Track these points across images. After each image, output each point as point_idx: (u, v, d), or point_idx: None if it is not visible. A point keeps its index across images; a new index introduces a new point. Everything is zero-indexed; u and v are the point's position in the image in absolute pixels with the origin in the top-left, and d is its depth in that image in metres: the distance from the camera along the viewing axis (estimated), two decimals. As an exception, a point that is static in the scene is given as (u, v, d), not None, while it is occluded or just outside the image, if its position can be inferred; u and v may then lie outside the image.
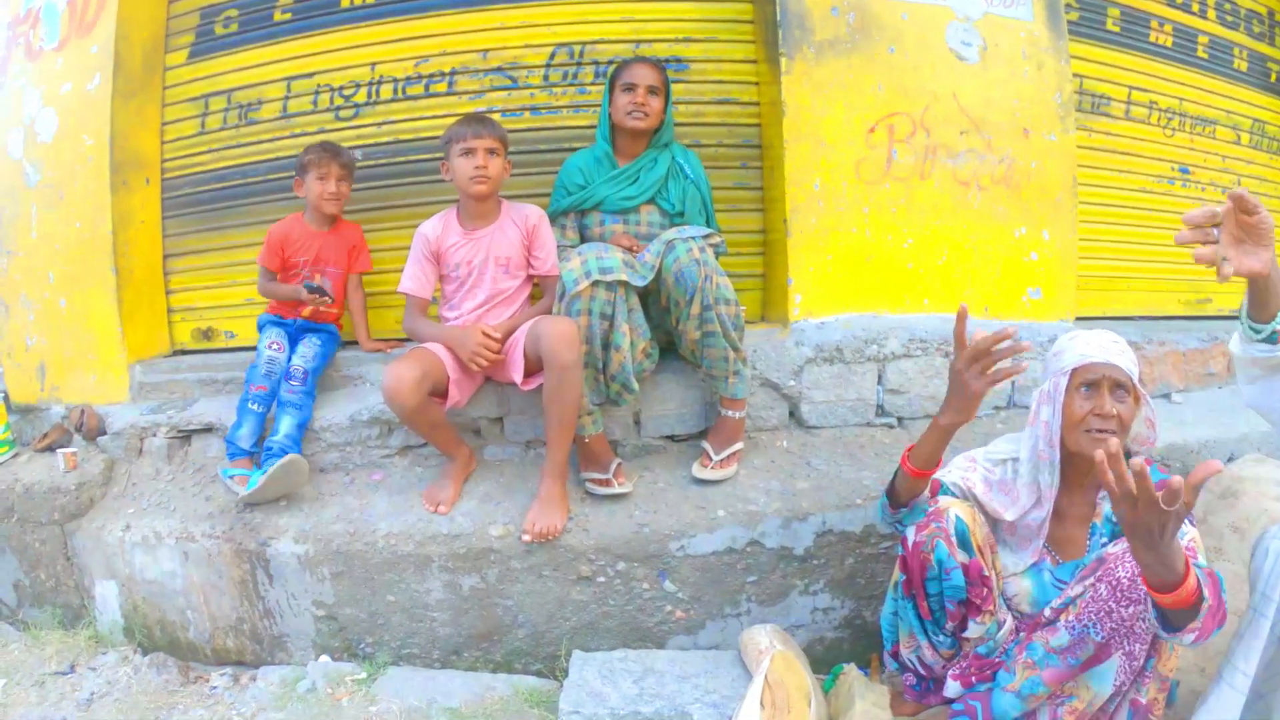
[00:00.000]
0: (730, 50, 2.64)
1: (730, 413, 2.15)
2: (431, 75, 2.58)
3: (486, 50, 2.56)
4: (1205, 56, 3.79)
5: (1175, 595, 1.29)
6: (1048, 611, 1.54)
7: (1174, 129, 3.57)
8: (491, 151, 2.13)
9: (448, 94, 2.57)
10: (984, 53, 2.66)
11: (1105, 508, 1.66)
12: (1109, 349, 1.63)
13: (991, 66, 2.67)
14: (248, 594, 2.12)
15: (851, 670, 1.88)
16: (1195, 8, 3.82)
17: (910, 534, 1.62)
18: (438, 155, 2.26)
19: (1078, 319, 2.84)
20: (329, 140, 2.49)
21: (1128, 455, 1.61)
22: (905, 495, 1.68)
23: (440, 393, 2.07)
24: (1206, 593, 1.31)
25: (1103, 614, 1.43)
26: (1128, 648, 1.45)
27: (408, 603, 2.05)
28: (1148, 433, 1.70)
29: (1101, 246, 3.32)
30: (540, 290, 2.29)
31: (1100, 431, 1.57)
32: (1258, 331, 1.46)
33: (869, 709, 1.73)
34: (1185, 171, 3.60)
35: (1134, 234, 3.43)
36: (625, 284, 1.97)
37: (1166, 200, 3.49)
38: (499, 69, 2.56)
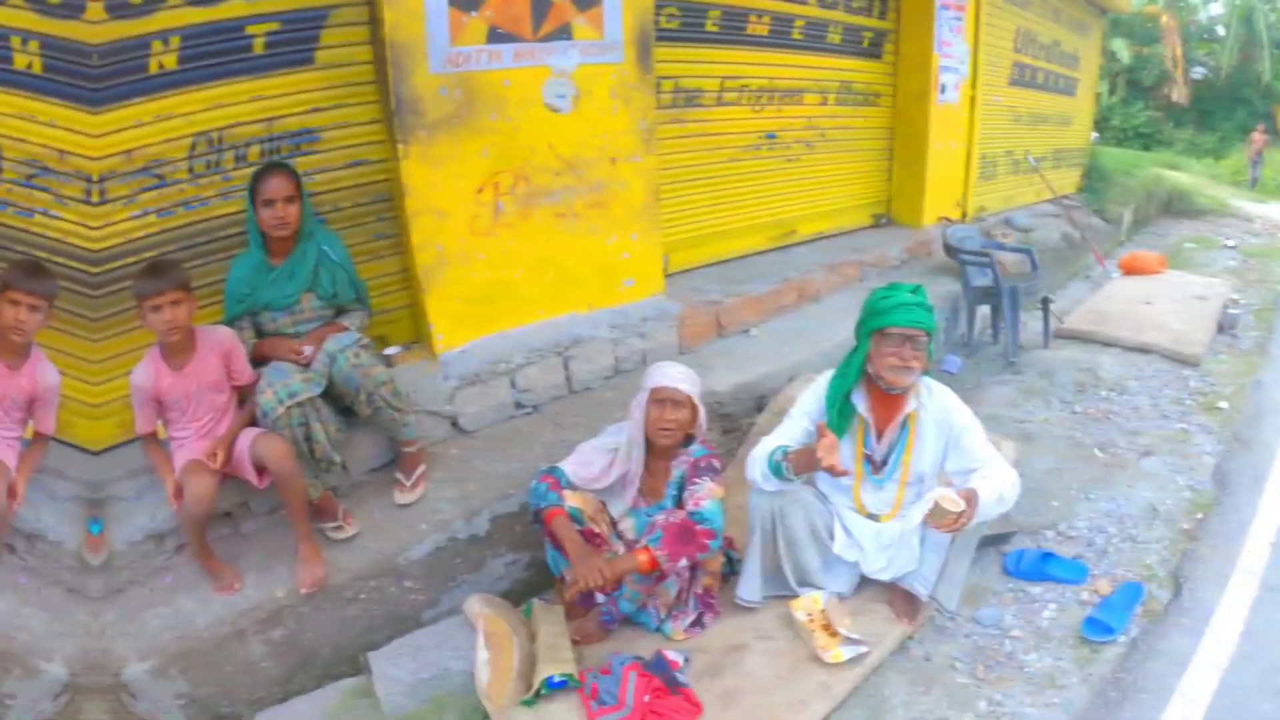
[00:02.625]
0: (357, 114, 2.93)
1: (408, 449, 2.87)
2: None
3: (130, 151, 2.52)
4: (800, 37, 4.56)
5: (644, 568, 2.34)
6: (640, 542, 2.42)
7: (763, 104, 4.40)
8: (175, 303, 2.35)
9: (101, 203, 2.50)
10: (577, 101, 3.19)
11: (677, 471, 2.54)
12: (676, 377, 2.53)
13: (584, 111, 3.22)
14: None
15: (535, 603, 2.61)
16: (796, -4, 4.42)
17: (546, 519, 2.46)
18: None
19: (674, 273, 3.81)
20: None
21: (689, 440, 2.58)
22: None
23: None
24: (662, 555, 2.33)
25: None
26: (678, 572, 2.44)
27: (243, 664, 2.43)
28: (703, 423, 2.61)
29: (696, 211, 4.22)
30: (244, 394, 2.62)
31: (663, 429, 2.50)
32: (780, 478, 2.42)
33: (549, 629, 2.43)
34: (772, 137, 4.51)
35: (725, 195, 4.36)
36: (310, 397, 2.53)
37: (754, 163, 4.41)
38: (144, 169, 2.56)
